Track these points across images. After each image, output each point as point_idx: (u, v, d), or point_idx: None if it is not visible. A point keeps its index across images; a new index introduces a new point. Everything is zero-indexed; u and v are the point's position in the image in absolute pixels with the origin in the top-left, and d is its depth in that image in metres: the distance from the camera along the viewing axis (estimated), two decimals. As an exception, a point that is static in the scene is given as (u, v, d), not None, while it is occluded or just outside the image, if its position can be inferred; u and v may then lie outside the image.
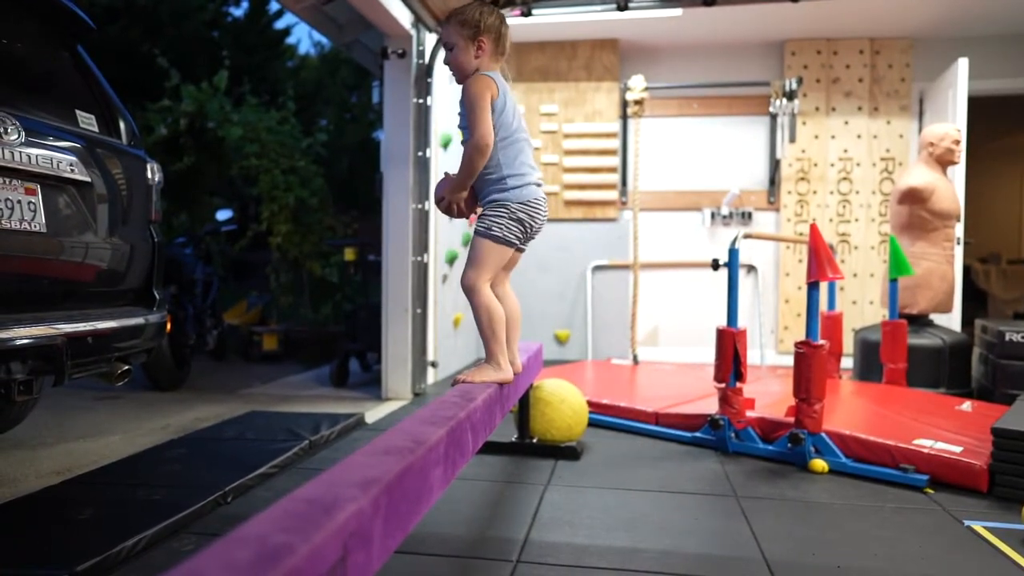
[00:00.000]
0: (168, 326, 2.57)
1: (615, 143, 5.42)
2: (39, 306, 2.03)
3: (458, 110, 1.96)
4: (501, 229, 1.87)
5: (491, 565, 1.77)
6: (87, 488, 2.27)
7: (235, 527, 0.75)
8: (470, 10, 1.92)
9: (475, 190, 1.95)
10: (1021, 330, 3.50)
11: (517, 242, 1.91)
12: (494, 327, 1.89)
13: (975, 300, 7.00)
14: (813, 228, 2.73)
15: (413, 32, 3.91)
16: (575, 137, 5.45)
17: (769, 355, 5.29)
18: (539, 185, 1.95)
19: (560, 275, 5.50)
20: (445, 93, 4.65)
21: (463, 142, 1.94)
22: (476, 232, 1.90)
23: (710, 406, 3.04)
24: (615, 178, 5.44)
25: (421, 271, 4.03)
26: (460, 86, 1.93)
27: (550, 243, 5.47)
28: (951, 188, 3.94)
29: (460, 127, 1.97)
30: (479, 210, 1.96)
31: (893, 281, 3.70)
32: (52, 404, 3.72)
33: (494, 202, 1.89)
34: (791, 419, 2.69)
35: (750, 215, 5.38)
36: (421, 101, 3.98)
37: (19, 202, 1.90)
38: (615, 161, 5.43)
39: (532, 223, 1.91)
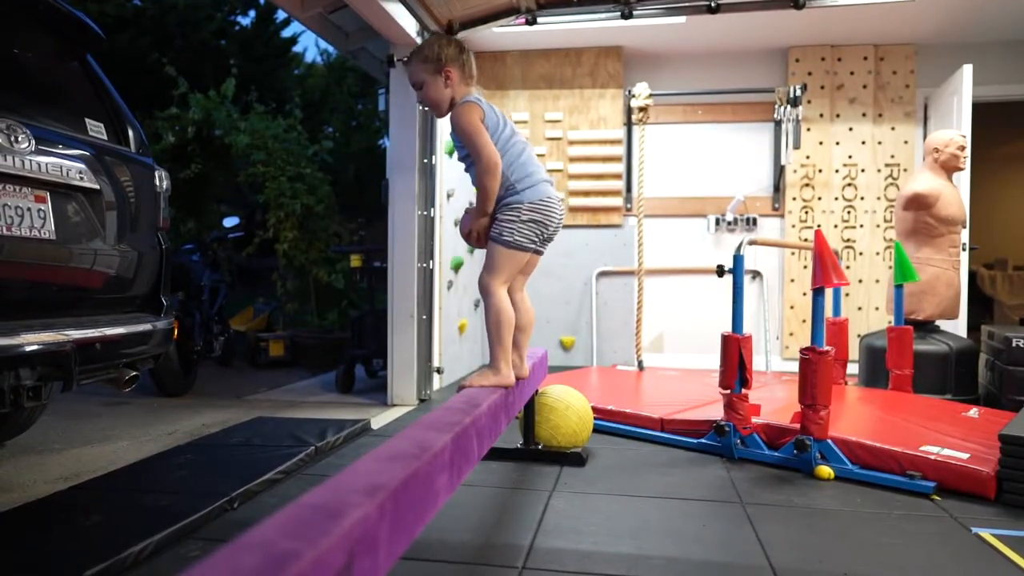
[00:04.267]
0: (175, 332, 2.59)
1: (620, 150, 5.43)
2: (48, 312, 2.05)
3: (454, 143, 1.95)
4: (512, 233, 1.86)
5: (496, 571, 1.77)
6: (94, 494, 2.28)
7: (241, 533, 0.75)
8: (428, 46, 1.94)
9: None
10: (1028, 336, 3.48)
11: (532, 245, 1.90)
12: (501, 331, 1.88)
13: (981, 306, 6.96)
14: (818, 234, 2.72)
15: (419, 40, 3.93)
16: (580, 144, 5.46)
17: (774, 361, 5.28)
18: (549, 183, 1.93)
19: (565, 281, 5.50)
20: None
21: (467, 169, 1.93)
22: (491, 238, 1.90)
23: (715, 412, 3.04)
24: (620, 185, 5.44)
25: (427, 277, 4.04)
26: (442, 118, 1.93)
27: (555, 249, 5.38)
28: (956, 194, 3.93)
29: (461, 159, 1.95)
30: None
31: (898, 287, 3.69)
32: (60, 410, 3.74)
33: (506, 206, 1.89)
34: (797, 425, 2.68)
35: (755, 221, 5.37)
36: (426, 108, 4.00)
37: (29, 209, 1.92)
38: (620, 168, 5.44)
39: (547, 223, 1.89)
